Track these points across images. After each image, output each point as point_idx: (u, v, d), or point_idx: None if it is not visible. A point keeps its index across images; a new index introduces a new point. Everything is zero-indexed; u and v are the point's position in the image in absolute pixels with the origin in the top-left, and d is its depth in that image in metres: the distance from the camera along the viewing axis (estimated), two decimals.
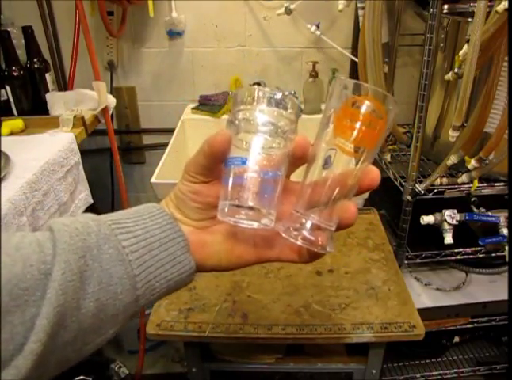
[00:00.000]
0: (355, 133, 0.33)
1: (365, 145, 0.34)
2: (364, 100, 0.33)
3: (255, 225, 0.34)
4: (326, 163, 0.34)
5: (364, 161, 0.34)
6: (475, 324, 1.23)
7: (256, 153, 0.34)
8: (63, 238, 0.30)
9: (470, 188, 1.05)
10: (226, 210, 0.34)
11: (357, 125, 0.33)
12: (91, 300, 0.30)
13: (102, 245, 0.32)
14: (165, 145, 1.23)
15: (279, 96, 0.35)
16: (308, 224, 0.34)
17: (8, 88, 1.15)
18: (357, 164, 0.34)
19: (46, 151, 0.96)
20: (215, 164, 0.35)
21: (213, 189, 0.36)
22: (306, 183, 0.35)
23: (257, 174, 0.34)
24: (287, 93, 0.36)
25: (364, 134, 0.33)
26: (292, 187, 0.38)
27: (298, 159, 0.35)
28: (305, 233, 0.34)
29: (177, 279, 0.35)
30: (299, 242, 0.34)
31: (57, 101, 1.17)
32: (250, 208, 0.34)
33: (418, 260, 1.15)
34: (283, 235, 0.35)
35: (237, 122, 0.35)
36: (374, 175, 0.35)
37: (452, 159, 1.00)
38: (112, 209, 1.60)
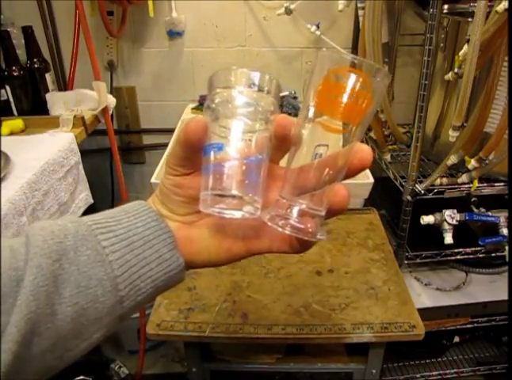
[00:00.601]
0: (339, 108, 0.30)
1: (352, 120, 0.31)
2: (347, 71, 0.30)
3: (239, 214, 0.32)
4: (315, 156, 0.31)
5: (352, 139, 0.31)
6: (475, 324, 1.23)
7: (235, 137, 0.32)
8: (36, 243, 0.29)
9: (470, 188, 1.05)
10: (208, 200, 0.32)
11: (341, 99, 0.30)
12: (68, 304, 0.29)
13: (80, 246, 0.31)
14: (165, 145, 1.23)
15: (257, 76, 0.32)
16: (295, 210, 0.32)
17: (8, 88, 1.15)
18: (344, 143, 0.31)
19: (46, 151, 0.96)
20: (192, 153, 0.33)
21: (195, 181, 0.34)
22: (291, 167, 0.32)
23: (238, 160, 0.32)
24: (267, 74, 0.33)
25: (349, 109, 0.30)
26: (280, 173, 0.35)
27: (281, 140, 0.33)
28: (292, 220, 0.31)
29: (164, 278, 0.34)
30: (287, 231, 0.31)
31: (57, 101, 1.17)
32: (233, 196, 0.31)
33: (418, 260, 1.15)
34: (269, 224, 0.32)
35: (214, 106, 0.32)
36: (365, 153, 0.32)
37: (452, 159, 1.00)
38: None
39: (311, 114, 0.31)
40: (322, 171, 0.32)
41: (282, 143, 0.33)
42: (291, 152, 0.33)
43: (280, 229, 0.31)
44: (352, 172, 0.33)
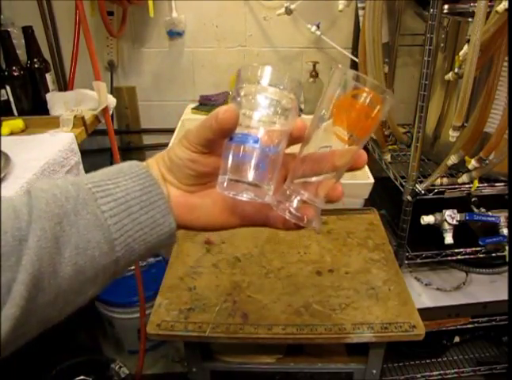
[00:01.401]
0: (353, 123, 0.35)
1: (361, 134, 0.36)
2: (364, 92, 0.34)
3: (252, 197, 0.35)
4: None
5: (357, 146, 0.36)
6: (476, 324, 1.23)
7: (258, 129, 0.35)
8: (39, 205, 0.31)
9: (470, 188, 1.05)
10: (225, 184, 0.35)
11: (356, 116, 0.34)
12: (68, 264, 0.31)
13: (80, 210, 0.32)
14: (165, 145, 1.23)
15: (281, 74, 0.36)
16: (297, 200, 0.36)
17: (8, 88, 1.15)
18: (349, 149, 0.36)
19: (46, 151, 0.96)
20: (220, 138, 0.35)
21: (210, 160, 0.37)
22: (300, 160, 0.37)
23: (258, 150, 0.35)
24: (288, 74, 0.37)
25: (361, 125, 0.35)
26: (284, 159, 0.38)
27: (294, 139, 0.37)
28: (293, 208, 0.36)
29: (156, 241, 0.36)
30: (287, 216, 0.36)
31: (57, 101, 1.17)
32: (250, 184, 0.35)
33: (418, 260, 1.15)
34: (273, 207, 0.36)
35: (239, 99, 0.36)
36: (363, 159, 0.38)
37: (452, 159, 1.00)
38: None
39: (325, 122, 0.36)
40: (326, 169, 0.36)
41: (294, 140, 0.37)
42: (301, 147, 0.37)
43: (281, 213, 0.36)
44: (348, 170, 0.38)
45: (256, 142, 0.35)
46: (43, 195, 0.32)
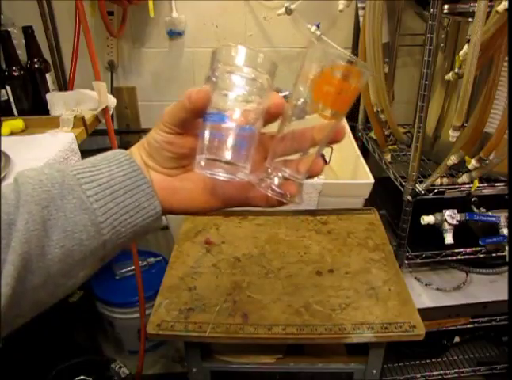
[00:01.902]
0: (332, 99, 0.35)
1: (340, 109, 0.36)
2: (343, 68, 0.34)
3: (230, 178, 0.36)
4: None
5: (336, 120, 0.37)
6: (476, 325, 1.23)
7: (233, 109, 0.35)
8: (26, 190, 0.32)
9: (470, 188, 1.05)
10: (202, 163, 0.35)
11: (335, 91, 0.35)
12: (56, 247, 0.33)
13: (66, 195, 0.34)
14: None
15: (256, 54, 0.36)
16: (278, 176, 0.37)
17: (8, 88, 1.15)
18: (329, 124, 0.37)
19: (46, 151, 0.96)
20: (193, 118, 0.36)
21: (187, 140, 0.37)
22: (279, 138, 0.37)
23: (234, 129, 0.35)
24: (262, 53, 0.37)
25: (340, 100, 0.35)
26: (262, 139, 0.39)
27: (272, 116, 0.37)
28: (275, 185, 0.37)
29: (142, 224, 0.37)
30: (269, 193, 0.37)
31: (57, 101, 1.17)
32: (226, 162, 0.35)
33: (418, 260, 1.15)
34: (255, 185, 0.37)
35: (214, 79, 0.36)
36: (341, 132, 0.38)
37: (452, 159, 1.00)
38: None
39: (303, 97, 0.36)
40: (307, 144, 0.37)
41: (271, 118, 0.37)
42: (280, 124, 0.37)
43: (263, 191, 0.37)
44: (328, 144, 0.39)
45: (230, 120, 0.35)
46: (29, 181, 0.33)
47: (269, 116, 0.37)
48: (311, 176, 0.39)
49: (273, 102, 0.36)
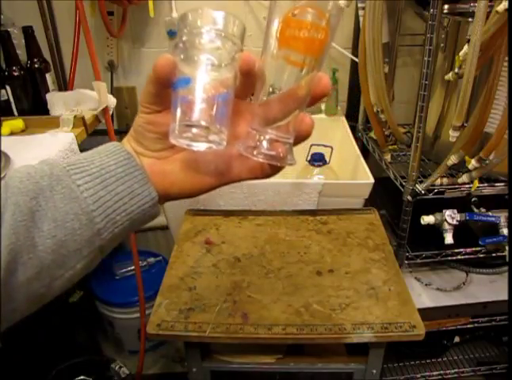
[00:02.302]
0: (299, 42, 0.33)
1: (311, 53, 0.34)
2: (305, 7, 0.33)
3: (206, 146, 0.34)
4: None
5: (313, 69, 0.34)
6: (476, 325, 1.23)
7: (202, 72, 0.34)
8: (13, 183, 0.33)
9: (470, 188, 1.05)
10: (176, 131, 0.34)
11: (300, 34, 0.33)
12: (47, 237, 0.33)
13: (55, 186, 0.34)
14: None
15: (223, 17, 0.34)
16: (266, 139, 0.35)
17: (8, 88, 1.15)
18: (306, 74, 0.34)
19: (46, 151, 0.96)
20: (162, 89, 0.35)
21: (166, 118, 0.36)
22: (258, 100, 0.36)
23: (205, 93, 0.34)
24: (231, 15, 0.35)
25: (308, 42, 0.33)
26: (247, 108, 0.38)
27: (246, 76, 0.35)
28: (264, 148, 0.35)
29: (138, 211, 0.37)
30: (260, 159, 0.35)
31: (57, 101, 1.17)
32: (200, 126, 0.34)
33: (418, 260, 1.15)
34: (243, 154, 0.35)
35: (181, 45, 0.35)
36: (325, 82, 0.35)
37: (452, 159, 1.00)
38: None
39: (272, 49, 0.34)
40: (287, 102, 0.35)
41: (247, 79, 0.35)
42: (257, 88, 0.36)
43: (254, 158, 0.35)
44: (315, 100, 0.36)
45: (201, 84, 0.34)
46: (17, 174, 0.34)
47: (244, 76, 0.35)
48: (302, 137, 0.37)
49: (243, 60, 0.34)
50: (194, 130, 0.34)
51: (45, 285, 0.34)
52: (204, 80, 0.34)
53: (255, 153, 0.35)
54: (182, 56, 0.34)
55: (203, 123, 0.33)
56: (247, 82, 0.35)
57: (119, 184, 0.35)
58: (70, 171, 0.35)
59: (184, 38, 0.34)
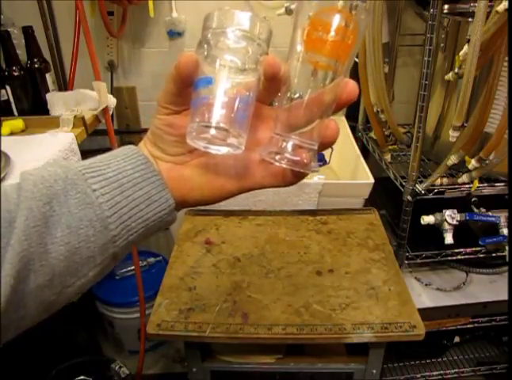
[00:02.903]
0: (326, 45, 0.32)
1: (338, 57, 0.33)
2: (333, 10, 0.32)
3: (224, 149, 0.33)
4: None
5: (339, 74, 0.33)
6: (476, 325, 1.23)
7: (225, 73, 0.33)
8: (27, 186, 0.31)
9: (470, 188, 1.05)
10: (193, 132, 0.33)
11: (328, 37, 0.32)
12: (60, 244, 0.31)
13: (70, 190, 0.32)
14: None
15: (250, 18, 0.33)
16: (290, 145, 0.34)
17: (8, 88, 1.15)
18: (332, 79, 0.34)
19: (46, 151, 0.96)
20: (184, 88, 0.34)
21: (186, 120, 0.35)
22: (283, 105, 0.35)
23: (226, 95, 0.33)
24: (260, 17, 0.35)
25: (335, 46, 0.32)
26: (270, 113, 0.37)
27: (270, 80, 0.33)
28: (288, 154, 0.34)
29: (154, 218, 0.35)
30: (284, 164, 0.34)
31: (57, 101, 1.17)
32: (218, 128, 0.32)
33: (418, 260, 1.15)
34: (266, 159, 0.34)
35: (205, 44, 0.33)
36: (351, 88, 0.34)
37: (452, 159, 1.00)
38: None
39: (299, 53, 0.33)
40: (312, 107, 0.34)
41: (272, 83, 0.34)
42: (282, 92, 0.34)
43: (277, 164, 0.34)
44: (341, 106, 0.35)
45: (223, 85, 0.33)
46: (31, 177, 0.32)
47: (268, 81, 0.33)
48: (327, 143, 0.35)
49: (267, 63, 0.32)
50: (212, 131, 0.32)
51: (56, 292, 0.32)
52: (226, 81, 0.33)
53: (278, 158, 0.34)
54: (205, 55, 0.33)
55: (222, 125, 0.32)
56: (271, 87, 0.34)
57: (136, 190, 0.34)
58: (86, 174, 0.33)
59: (208, 37, 0.33)
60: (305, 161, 0.34)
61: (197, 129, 0.33)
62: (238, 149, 0.33)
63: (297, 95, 0.34)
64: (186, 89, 0.34)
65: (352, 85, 0.34)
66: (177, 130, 0.36)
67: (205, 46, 0.34)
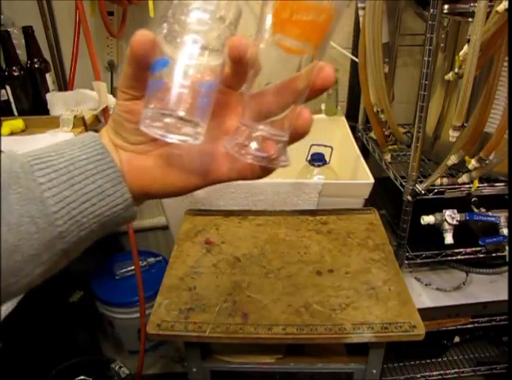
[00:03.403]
0: (296, 26, 0.28)
1: (310, 39, 0.29)
2: None
3: (179, 138, 0.30)
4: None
5: (313, 59, 0.30)
6: (476, 325, 1.23)
7: (185, 54, 0.30)
8: None
9: (470, 188, 1.05)
10: (147, 119, 0.30)
11: (298, 17, 0.28)
12: None
13: (12, 184, 0.30)
14: None
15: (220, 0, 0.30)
16: (257, 137, 0.31)
17: (8, 88, 1.15)
18: (305, 63, 0.30)
19: None
20: (140, 71, 0.31)
21: None
22: (251, 92, 0.31)
23: (185, 78, 0.29)
24: None
25: (307, 27, 0.28)
26: (239, 100, 0.34)
27: (237, 63, 0.30)
28: (254, 148, 0.31)
29: (109, 213, 0.33)
30: (249, 160, 0.31)
31: (57, 101, 1.17)
32: (174, 116, 0.29)
33: (418, 260, 1.15)
34: (231, 153, 0.31)
35: (166, 22, 0.30)
36: (327, 73, 0.31)
37: (452, 159, 1.00)
38: None
39: (267, 35, 0.30)
40: (282, 94, 0.31)
41: (239, 67, 0.31)
42: (250, 77, 0.31)
43: (242, 158, 0.31)
44: (315, 94, 0.32)
45: (182, 68, 0.30)
46: None
47: (234, 64, 0.30)
48: (299, 134, 0.32)
49: (232, 44, 0.29)
50: (167, 119, 0.29)
51: None
52: (186, 64, 0.30)
53: (243, 152, 0.31)
54: (166, 35, 0.30)
55: (178, 112, 0.29)
56: (239, 71, 0.31)
57: (88, 183, 0.32)
58: (35, 166, 0.31)
59: (169, 13, 0.30)
60: (273, 155, 0.31)
61: (152, 116, 0.30)
62: (197, 139, 0.31)
63: (266, 82, 0.31)
64: (144, 72, 0.31)
65: (328, 70, 0.31)
66: (137, 117, 0.32)
67: (165, 24, 0.30)
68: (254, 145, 0.31)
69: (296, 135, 0.32)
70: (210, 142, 0.33)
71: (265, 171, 0.34)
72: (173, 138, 0.30)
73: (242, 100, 0.33)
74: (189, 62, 0.30)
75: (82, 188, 0.32)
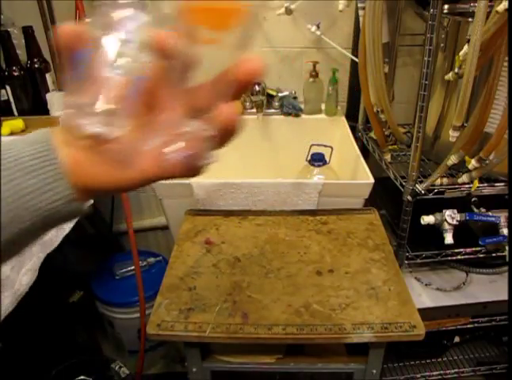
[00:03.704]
0: (199, 13, 0.27)
1: (221, 26, 0.27)
2: None
3: (100, 131, 0.30)
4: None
5: (231, 49, 0.29)
6: (476, 325, 1.23)
7: (110, 45, 0.29)
8: None
9: (470, 188, 1.05)
10: (68, 111, 0.29)
11: (201, 4, 0.27)
12: None
13: None
14: None
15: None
16: (177, 137, 0.30)
17: (8, 88, 1.15)
18: (231, 57, 0.29)
19: None
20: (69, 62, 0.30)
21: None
22: (178, 87, 0.31)
23: (109, 70, 0.29)
24: None
25: (212, 12, 0.27)
26: (170, 95, 0.33)
27: (160, 55, 0.30)
28: (179, 146, 0.30)
29: (50, 208, 0.34)
30: (173, 158, 0.30)
31: (57, 101, 1.18)
32: (95, 109, 0.29)
33: (418, 260, 1.15)
34: (154, 150, 0.31)
35: (99, 9, 0.29)
36: (250, 64, 0.29)
37: (452, 159, 1.00)
38: (112, 208, 1.60)
39: (180, 27, 0.28)
40: (203, 90, 0.30)
41: (164, 59, 0.30)
42: (180, 71, 0.31)
43: (166, 157, 0.30)
44: (241, 88, 0.31)
45: (105, 58, 0.29)
46: None
47: (159, 56, 0.30)
48: (225, 132, 0.31)
49: (153, 37, 0.28)
50: (90, 110, 0.29)
51: None
52: (113, 55, 0.28)
53: (168, 150, 0.30)
54: (98, 23, 0.29)
55: (102, 106, 0.29)
56: (168, 64, 0.30)
57: (29, 178, 0.33)
58: None
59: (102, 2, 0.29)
60: (197, 153, 0.30)
61: (73, 108, 0.29)
62: (118, 134, 0.30)
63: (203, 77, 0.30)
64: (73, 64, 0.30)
65: (253, 62, 0.29)
66: None
67: (98, 10, 0.29)
68: (177, 143, 0.30)
69: (224, 133, 0.31)
70: (139, 137, 0.33)
71: (193, 169, 0.33)
72: (95, 132, 0.30)
73: (173, 95, 0.32)
74: (113, 55, 0.29)
75: (20, 184, 0.33)
